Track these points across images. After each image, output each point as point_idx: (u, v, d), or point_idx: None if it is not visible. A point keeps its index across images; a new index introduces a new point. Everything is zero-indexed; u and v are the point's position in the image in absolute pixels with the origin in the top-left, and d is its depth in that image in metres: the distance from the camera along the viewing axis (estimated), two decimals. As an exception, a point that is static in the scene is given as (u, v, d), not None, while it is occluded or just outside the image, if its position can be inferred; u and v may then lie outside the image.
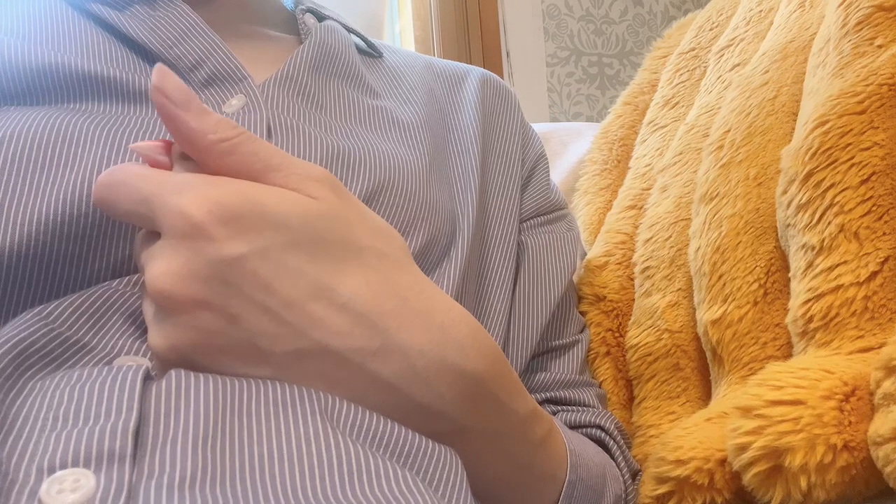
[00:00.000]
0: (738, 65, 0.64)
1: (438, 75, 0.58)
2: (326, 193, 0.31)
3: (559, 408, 0.53)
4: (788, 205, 0.46)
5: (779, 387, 0.38)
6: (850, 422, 0.36)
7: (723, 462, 0.42)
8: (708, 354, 0.52)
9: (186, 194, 0.28)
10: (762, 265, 0.49)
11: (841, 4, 0.49)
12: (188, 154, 0.31)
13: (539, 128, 0.90)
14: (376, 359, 0.30)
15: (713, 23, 0.75)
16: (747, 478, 0.38)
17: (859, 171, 0.43)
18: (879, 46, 0.46)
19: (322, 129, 0.44)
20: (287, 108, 0.43)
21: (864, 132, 0.43)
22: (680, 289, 0.57)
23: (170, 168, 0.32)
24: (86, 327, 0.32)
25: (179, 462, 0.25)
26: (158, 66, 0.30)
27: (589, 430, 0.51)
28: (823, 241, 0.43)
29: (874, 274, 0.41)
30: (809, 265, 0.44)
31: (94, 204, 0.32)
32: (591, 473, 0.43)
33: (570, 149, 0.89)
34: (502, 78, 1.27)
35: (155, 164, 0.32)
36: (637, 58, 2.12)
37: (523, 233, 0.56)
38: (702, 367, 0.55)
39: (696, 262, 0.54)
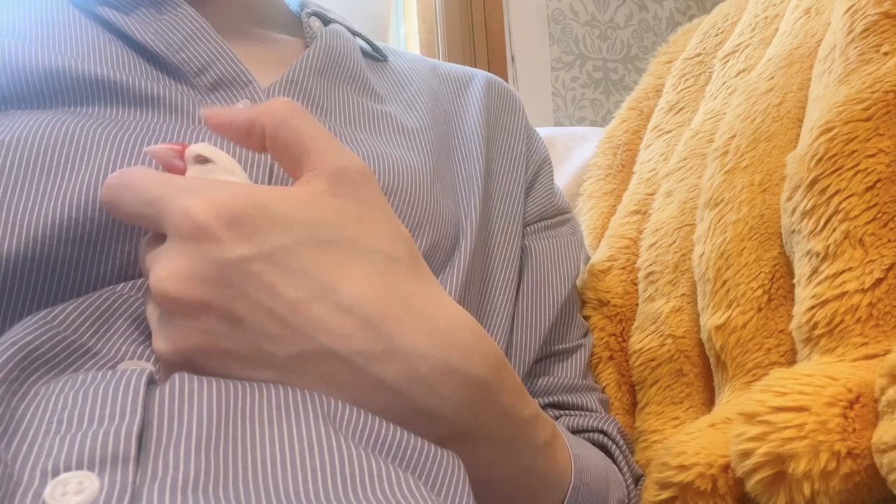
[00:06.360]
0: (743, 71, 0.64)
1: (443, 79, 0.58)
2: (350, 189, 0.31)
3: (562, 412, 0.53)
4: (793, 211, 0.46)
5: (783, 393, 0.38)
6: (854, 429, 0.36)
7: (726, 468, 0.42)
8: (711, 360, 0.52)
9: (192, 196, 0.29)
10: (766, 271, 0.49)
11: (847, 11, 0.49)
12: (240, 141, 0.33)
13: (544, 132, 0.90)
14: (380, 362, 0.30)
15: (718, 28, 0.75)
16: (750, 484, 0.38)
17: (864, 177, 0.43)
18: (885, 53, 0.46)
19: (326, 133, 0.44)
20: (292, 113, 0.43)
21: (870, 139, 0.43)
22: (684, 294, 0.57)
23: (183, 172, 0.32)
24: (90, 332, 0.32)
25: (182, 465, 0.25)
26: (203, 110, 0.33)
27: (592, 434, 0.51)
28: (828, 247, 0.43)
29: (879, 281, 0.41)
30: (814, 271, 0.44)
31: (102, 205, 0.32)
32: (593, 478, 0.43)
33: (575, 153, 0.89)
34: (507, 82, 1.27)
35: (169, 168, 0.33)
36: (642, 63, 2.12)
37: (527, 237, 0.56)
38: (705, 373, 0.55)
39: (700, 268, 0.54)
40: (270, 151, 0.33)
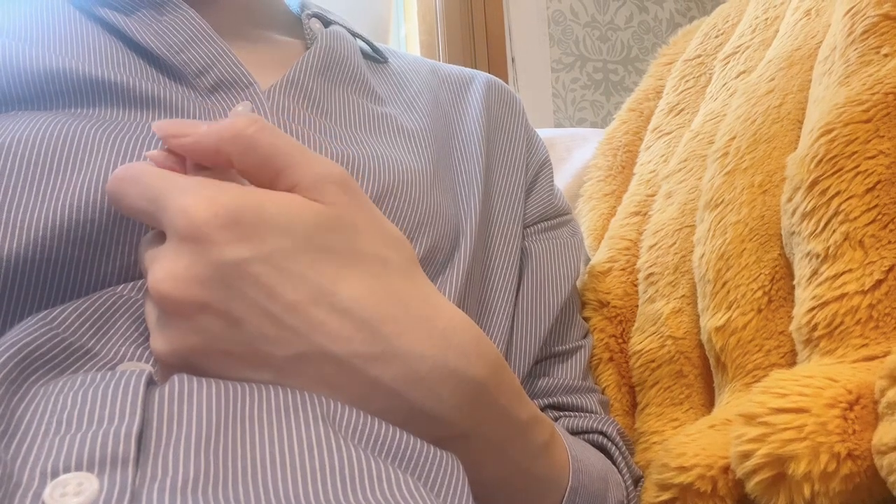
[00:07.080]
0: (743, 72, 0.64)
1: (443, 80, 0.58)
2: (338, 197, 0.31)
3: (561, 413, 0.53)
4: (793, 212, 0.46)
5: (783, 394, 0.38)
6: (854, 430, 0.36)
7: (726, 469, 0.42)
8: (711, 361, 0.52)
9: (193, 195, 0.29)
10: (766, 272, 0.49)
11: (847, 13, 0.49)
12: (209, 164, 0.32)
13: (544, 133, 0.90)
14: (377, 364, 0.30)
15: (719, 30, 0.75)
16: (750, 485, 0.38)
17: (865, 179, 0.43)
18: (885, 55, 0.46)
19: (327, 135, 0.44)
20: (292, 115, 0.43)
21: (870, 141, 0.43)
22: (684, 295, 0.57)
23: None
24: (90, 333, 0.32)
25: (182, 466, 0.25)
26: (154, 124, 0.32)
27: (591, 435, 0.51)
28: (828, 249, 0.43)
29: (879, 282, 0.41)
30: (814, 273, 0.44)
31: (107, 194, 0.32)
32: (592, 479, 0.43)
33: (575, 154, 0.89)
34: (507, 83, 1.27)
35: None
36: (642, 64, 2.12)
37: (527, 238, 0.56)
38: (705, 374, 0.55)
39: (700, 269, 0.54)
40: (243, 176, 0.32)
